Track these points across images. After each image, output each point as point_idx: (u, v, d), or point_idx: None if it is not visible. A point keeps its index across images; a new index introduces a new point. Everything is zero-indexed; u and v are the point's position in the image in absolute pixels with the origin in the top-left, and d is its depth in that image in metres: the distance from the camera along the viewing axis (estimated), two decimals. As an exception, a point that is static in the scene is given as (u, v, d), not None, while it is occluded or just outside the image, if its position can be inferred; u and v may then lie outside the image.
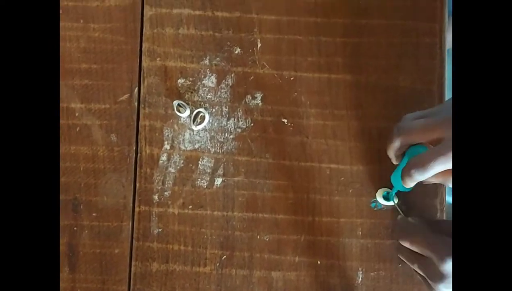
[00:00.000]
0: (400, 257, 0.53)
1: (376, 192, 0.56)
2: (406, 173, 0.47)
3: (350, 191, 0.57)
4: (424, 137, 0.47)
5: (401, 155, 0.51)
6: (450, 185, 0.48)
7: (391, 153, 0.51)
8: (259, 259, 0.56)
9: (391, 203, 0.55)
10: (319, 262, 0.56)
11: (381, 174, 0.56)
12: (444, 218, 0.56)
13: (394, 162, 0.52)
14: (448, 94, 0.57)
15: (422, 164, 0.45)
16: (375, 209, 0.56)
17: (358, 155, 0.57)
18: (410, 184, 0.48)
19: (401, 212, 0.54)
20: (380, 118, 0.57)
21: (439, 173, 0.46)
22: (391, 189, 0.55)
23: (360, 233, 0.56)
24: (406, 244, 0.50)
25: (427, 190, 0.56)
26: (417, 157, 0.46)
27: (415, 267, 0.50)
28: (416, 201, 0.56)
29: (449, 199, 0.59)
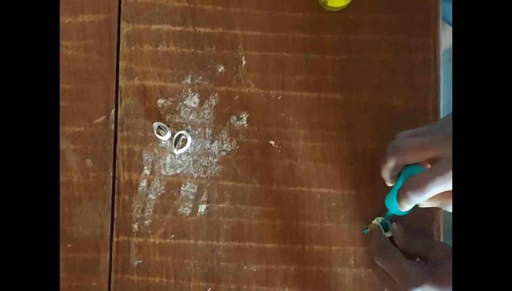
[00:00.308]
0: (374, 272, 0.50)
1: (372, 218, 0.52)
2: (402, 195, 0.44)
3: (342, 216, 0.53)
4: (420, 156, 0.44)
5: (396, 175, 0.48)
6: (449, 209, 0.45)
7: (386, 174, 0.48)
8: (246, 291, 0.53)
9: (389, 234, 0.52)
10: (310, 294, 0.53)
11: (374, 199, 0.53)
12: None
13: (389, 184, 0.49)
14: (443, 112, 0.54)
15: (419, 185, 0.42)
16: (369, 236, 0.53)
17: (350, 178, 0.54)
18: (406, 206, 0.45)
19: (393, 238, 0.51)
20: (372, 139, 0.54)
21: (437, 195, 0.43)
22: (384, 214, 0.52)
23: (353, 262, 0.53)
24: (379, 264, 0.48)
25: (423, 215, 0.53)
26: (413, 177, 0.43)
27: (385, 289, 0.48)
28: (411, 226, 0.53)
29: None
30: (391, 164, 0.46)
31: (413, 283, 0.44)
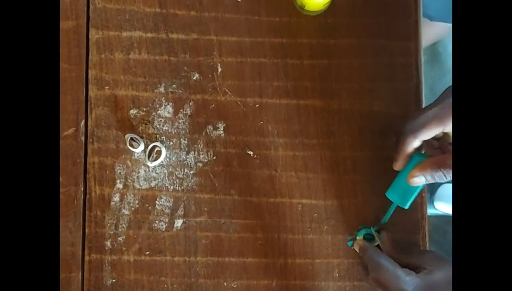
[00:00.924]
0: (369, 285, 0.48)
1: (355, 230, 0.51)
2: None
3: (325, 228, 0.51)
4: (441, 124, 0.44)
5: (408, 158, 0.47)
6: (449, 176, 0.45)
7: (402, 155, 0.46)
8: (226, 309, 0.51)
9: (376, 242, 0.50)
10: (293, 310, 0.51)
11: (357, 209, 0.51)
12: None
13: (400, 167, 0.47)
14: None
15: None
16: (353, 247, 0.51)
17: (332, 188, 0.52)
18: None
19: (382, 249, 0.49)
20: (354, 147, 0.52)
21: (437, 160, 0.44)
22: (370, 225, 0.50)
23: (337, 274, 0.51)
24: (374, 275, 0.47)
25: (408, 225, 0.51)
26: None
27: None
28: (397, 236, 0.51)
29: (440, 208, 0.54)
30: (415, 142, 0.45)
31: None
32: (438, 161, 0.44)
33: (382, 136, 0.52)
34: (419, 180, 0.45)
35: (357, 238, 0.50)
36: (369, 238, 0.50)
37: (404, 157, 0.46)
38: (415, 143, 0.45)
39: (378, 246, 0.49)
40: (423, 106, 0.53)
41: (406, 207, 0.47)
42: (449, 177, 0.44)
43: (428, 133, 0.44)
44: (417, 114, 0.46)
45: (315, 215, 0.51)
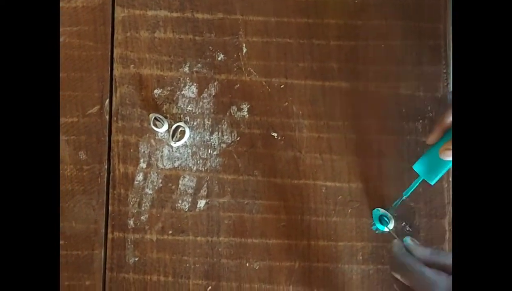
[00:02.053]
0: (394, 286, 0.47)
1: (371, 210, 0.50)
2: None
3: (349, 211, 0.51)
4: None
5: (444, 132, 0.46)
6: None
7: (441, 128, 0.45)
8: (248, 289, 0.50)
9: (388, 227, 0.49)
10: (316, 292, 0.50)
11: (383, 192, 0.51)
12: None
13: (434, 141, 0.46)
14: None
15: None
16: (377, 231, 0.50)
17: (357, 170, 0.51)
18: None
19: (396, 237, 0.47)
20: (380, 130, 0.51)
21: None
22: (387, 206, 0.49)
23: (360, 258, 0.50)
24: (398, 277, 0.44)
25: (435, 209, 0.50)
26: None
27: None
28: (421, 222, 0.50)
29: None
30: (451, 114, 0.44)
31: None
32: None
33: (409, 120, 0.51)
34: (451, 154, 0.44)
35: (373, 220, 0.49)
36: (384, 221, 0.49)
37: (441, 129, 0.45)
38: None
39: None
40: (451, 90, 0.52)
41: (432, 183, 0.46)
42: None
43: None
44: None
45: (339, 197, 0.51)
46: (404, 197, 0.48)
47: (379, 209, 0.50)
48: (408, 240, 0.47)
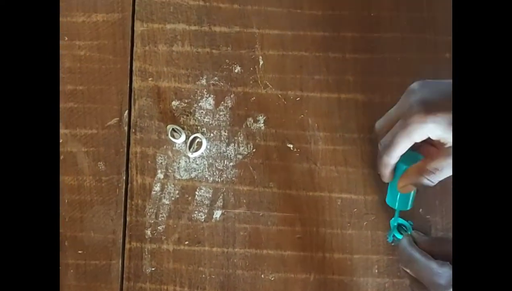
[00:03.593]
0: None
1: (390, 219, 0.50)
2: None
3: (365, 223, 0.51)
4: (409, 140, 0.43)
5: (393, 171, 0.47)
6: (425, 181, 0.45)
7: (386, 171, 0.47)
8: (263, 301, 0.51)
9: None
10: (331, 305, 0.50)
11: (398, 205, 0.50)
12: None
13: (388, 180, 0.48)
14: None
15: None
16: (393, 244, 0.50)
17: (372, 183, 0.51)
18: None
19: (415, 242, 0.47)
20: (396, 142, 0.51)
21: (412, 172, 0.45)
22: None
23: (376, 271, 0.50)
24: (407, 270, 0.45)
25: (451, 222, 0.50)
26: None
27: None
28: (438, 235, 0.50)
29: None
30: (387, 161, 0.45)
31: (444, 285, 0.41)
32: (418, 169, 0.45)
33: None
34: (409, 188, 0.46)
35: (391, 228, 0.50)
36: (403, 230, 0.49)
37: (387, 172, 0.47)
38: (392, 161, 0.45)
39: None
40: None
41: (408, 208, 0.48)
42: (436, 180, 0.44)
43: (400, 151, 0.44)
44: (381, 130, 0.46)
45: (355, 210, 0.51)
46: (392, 226, 0.50)
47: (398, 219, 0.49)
48: (413, 232, 0.48)
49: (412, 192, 0.47)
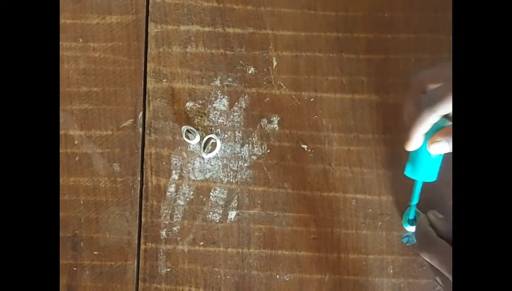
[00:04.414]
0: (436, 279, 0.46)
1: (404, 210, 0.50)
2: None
3: (379, 224, 0.51)
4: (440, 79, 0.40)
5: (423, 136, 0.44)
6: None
7: (420, 133, 0.43)
8: (279, 301, 0.51)
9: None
10: (346, 305, 0.50)
11: (413, 205, 0.50)
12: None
13: (415, 147, 0.44)
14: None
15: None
16: (408, 244, 0.50)
17: (387, 183, 0.51)
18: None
19: (435, 229, 0.46)
20: (410, 142, 0.51)
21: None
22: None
23: (391, 271, 0.50)
24: (426, 258, 0.44)
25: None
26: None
27: (437, 280, 0.44)
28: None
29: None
30: (428, 116, 0.41)
31: None
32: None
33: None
34: (443, 147, 0.41)
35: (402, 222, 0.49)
36: (413, 221, 0.49)
37: (421, 131, 0.42)
38: (433, 119, 0.40)
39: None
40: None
41: (435, 179, 0.45)
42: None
43: (448, 108, 0.39)
44: (431, 78, 0.41)
45: (369, 210, 0.51)
46: (413, 204, 0.48)
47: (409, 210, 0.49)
48: (430, 214, 0.46)
49: (440, 156, 0.43)
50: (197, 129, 0.52)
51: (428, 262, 0.44)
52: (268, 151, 0.52)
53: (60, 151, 0.53)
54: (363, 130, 0.52)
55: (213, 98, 0.53)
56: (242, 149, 0.52)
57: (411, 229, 0.50)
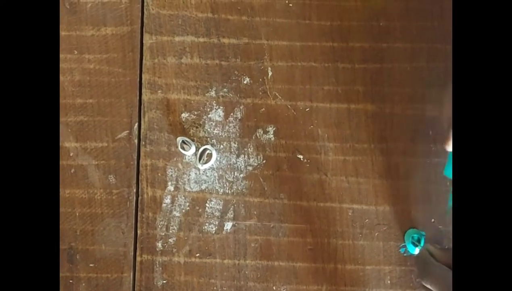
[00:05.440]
0: None
1: (404, 234, 0.50)
2: None
3: (376, 234, 0.51)
4: None
5: None
6: None
7: None
8: (275, 313, 0.50)
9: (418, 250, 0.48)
10: (343, 317, 0.50)
11: (410, 215, 0.50)
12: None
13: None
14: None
15: None
16: (405, 254, 0.50)
17: (384, 193, 0.51)
18: None
19: (435, 259, 0.47)
20: (407, 152, 0.51)
21: None
22: (422, 231, 0.49)
23: (388, 282, 0.50)
24: (428, 286, 0.44)
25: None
26: None
27: None
28: (450, 245, 0.50)
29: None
30: None
31: None
32: None
33: (436, 142, 0.51)
34: None
35: (405, 241, 0.49)
36: (416, 241, 0.48)
37: None
38: None
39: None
40: None
41: None
42: None
43: None
44: None
45: (366, 220, 0.51)
46: (449, 207, 0.48)
47: (414, 231, 0.49)
48: (429, 246, 0.47)
49: None
50: (193, 140, 0.52)
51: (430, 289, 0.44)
52: (264, 161, 0.52)
53: (56, 162, 0.53)
54: (359, 140, 0.51)
55: (208, 109, 0.53)
56: (237, 160, 0.52)
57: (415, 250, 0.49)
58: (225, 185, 0.52)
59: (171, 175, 0.52)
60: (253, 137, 0.52)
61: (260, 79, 0.53)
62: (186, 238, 0.52)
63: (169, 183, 0.52)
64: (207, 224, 0.52)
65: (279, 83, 0.52)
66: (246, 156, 0.52)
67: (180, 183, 0.52)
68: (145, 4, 0.54)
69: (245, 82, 0.53)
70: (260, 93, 0.53)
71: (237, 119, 0.53)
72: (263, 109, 0.52)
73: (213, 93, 0.53)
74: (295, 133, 0.52)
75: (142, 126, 0.53)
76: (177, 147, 0.52)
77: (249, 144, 0.52)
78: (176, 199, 0.52)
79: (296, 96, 0.52)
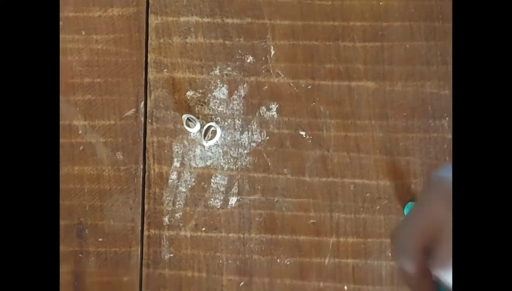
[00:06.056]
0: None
1: (404, 207, 0.51)
2: None
3: (377, 208, 0.52)
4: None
5: None
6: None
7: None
8: (280, 285, 0.52)
9: None
10: (346, 287, 0.51)
11: (410, 189, 0.51)
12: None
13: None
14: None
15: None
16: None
17: (384, 168, 0.52)
18: None
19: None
20: (407, 128, 0.52)
21: None
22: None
23: (389, 254, 0.51)
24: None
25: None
26: None
27: None
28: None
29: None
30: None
31: None
32: None
33: (435, 118, 0.52)
34: None
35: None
36: None
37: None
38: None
39: None
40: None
41: None
42: None
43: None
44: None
45: (367, 194, 0.52)
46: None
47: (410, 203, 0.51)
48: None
49: None
50: (198, 117, 0.54)
51: None
52: (267, 137, 0.53)
53: (64, 140, 0.54)
54: (360, 116, 0.53)
55: (212, 87, 0.54)
56: (241, 136, 0.53)
57: None
58: (229, 161, 0.53)
59: (177, 152, 0.54)
60: (257, 115, 0.54)
61: (263, 58, 0.54)
62: (192, 212, 0.53)
63: (175, 159, 0.54)
64: (212, 199, 0.53)
65: (282, 62, 0.54)
66: (250, 133, 0.53)
67: (185, 159, 0.54)
68: (150, -15, 0.55)
69: (248, 61, 0.54)
70: (263, 71, 0.54)
71: (241, 97, 0.54)
72: (266, 87, 0.54)
73: (217, 71, 0.54)
74: (298, 111, 0.53)
75: (149, 105, 0.54)
76: (182, 124, 0.53)
77: (252, 121, 0.54)
78: (182, 175, 0.53)
79: (298, 74, 0.54)
